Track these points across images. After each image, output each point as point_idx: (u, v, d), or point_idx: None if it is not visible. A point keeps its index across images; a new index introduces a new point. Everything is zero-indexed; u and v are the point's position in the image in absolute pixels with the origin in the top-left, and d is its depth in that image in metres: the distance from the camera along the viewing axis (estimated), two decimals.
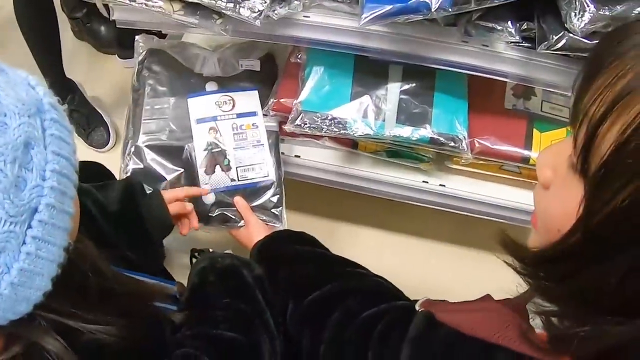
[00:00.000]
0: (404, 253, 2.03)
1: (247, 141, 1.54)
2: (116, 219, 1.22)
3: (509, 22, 1.23)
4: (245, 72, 1.64)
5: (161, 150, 1.49)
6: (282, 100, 1.56)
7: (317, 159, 1.68)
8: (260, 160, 1.53)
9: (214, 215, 1.49)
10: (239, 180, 1.51)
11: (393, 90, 1.53)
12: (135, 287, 0.98)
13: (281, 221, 1.53)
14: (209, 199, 1.49)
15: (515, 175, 1.63)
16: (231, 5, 1.23)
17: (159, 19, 1.35)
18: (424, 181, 1.65)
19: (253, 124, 1.56)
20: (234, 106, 1.56)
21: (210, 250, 1.38)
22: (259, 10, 1.23)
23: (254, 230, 1.43)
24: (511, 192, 1.65)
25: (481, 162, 1.58)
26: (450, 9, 1.15)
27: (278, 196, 1.53)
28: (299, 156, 1.68)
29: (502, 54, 1.29)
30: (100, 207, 1.19)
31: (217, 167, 1.50)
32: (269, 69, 1.69)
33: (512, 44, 1.28)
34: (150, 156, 1.48)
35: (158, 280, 1.19)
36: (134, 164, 1.47)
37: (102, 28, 2.45)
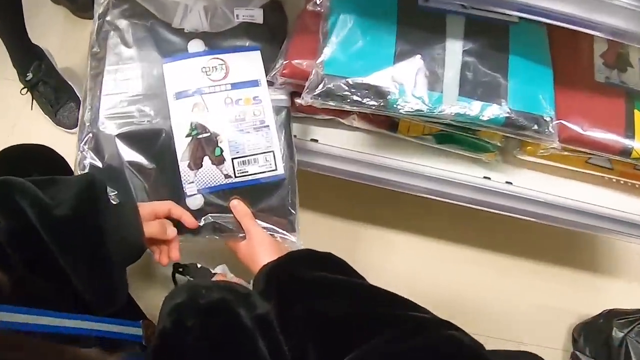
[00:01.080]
0: (444, 262, 1.80)
1: (247, 122, 1.15)
2: (64, 228, 0.88)
3: None
4: (242, 26, 1.24)
5: (128, 138, 1.13)
6: (295, 61, 1.17)
7: (340, 144, 1.33)
8: (265, 148, 1.15)
9: (202, 224, 1.14)
10: (235, 177, 1.13)
11: (453, 50, 1.14)
12: None
13: (295, 231, 1.19)
14: (196, 202, 1.13)
15: (605, 172, 1.33)
16: None
17: None
18: (485, 177, 1.33)
19: (254, 98, 1.17)
20: (227, 73, 1.17)
21: (198, 265, 1.19)
22: None
23: (258, 245, 1.12)
24: (599, 194, 1.36)
25: (565, 152, 1.24)
26: None
27: (290, 198, 1.17)
28: (316, 140, 1.33)
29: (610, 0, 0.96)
30: (41, 211, 0.87)
31: (206, 159, 1.12)
32: (275, 20, 1.29)
33: None
34: (113, 148, 1.12)
35: (111, 322, 0.89)
36: (91, 159, 1.12)
37: None
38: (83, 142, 1.12)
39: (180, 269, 1.21)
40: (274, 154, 1.16)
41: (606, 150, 1.19)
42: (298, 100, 1.20)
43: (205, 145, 1.12)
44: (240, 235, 1.15)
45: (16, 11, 1.77)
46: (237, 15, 1.22)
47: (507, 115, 1.11)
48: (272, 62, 1.21)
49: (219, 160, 1.12)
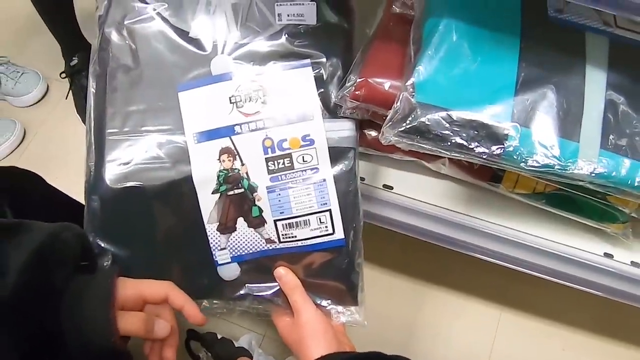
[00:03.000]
0: (527, 338, 1.52)
1: (294, 172, 0.84)
2: (9, 307, 0.65)
3: None
4: (287, 30, 0.88)
5: (139, 197, 0.86)
6: (373, 80, 0.86)
7: (422, 195, 1.05)
8: (319, 207, 0.85)
9: (237, 294, 0.89)
10: (280, 242, 0.85)
11: (595, 86, 0.82)
12: None
13: (359, 314, 0.91)
14: (231, 272, 0.87)
15: None
16: None
17: None
18: (606, 254, 1.03)
19: (304, 138, 0.84)
20: (265, 103, 0.84)
21: (218, 336, 1.08)
22: None
23: (308, 329, 0.87)
24: None
25: None
26: None
27: (352, 266, 0.89)
28: (390, 187, 1.05)
29: None
30: None
31: (240, 220, 0.84)
32: (336, 20, 0.92)
33: None
34: (121, 205, 0.86)
35: None
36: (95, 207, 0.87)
37: None
38: (88, 187, 0.88)
39: (196, 338, 1.06)
40: (330, 213, 0.86)
41: None
42: (371, 133, 0.93)
43: (239, 203, 0.84)
44: (288, 310, 0.91)
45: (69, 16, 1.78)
46: (279, 15, 0.88)
47: None
48: (329, 84, 0.88)
49: (257, 223, 0.85)
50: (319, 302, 0.89)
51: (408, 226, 1.07)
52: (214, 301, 0.89)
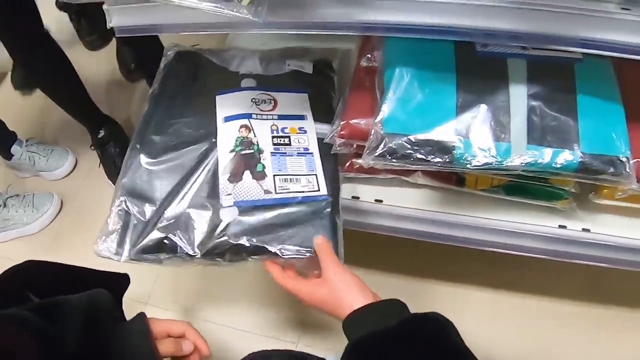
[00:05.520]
0: (522, 317, 1.66)
1: (291, 147, 1.18)
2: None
3: None
4: (292, 73, 1.32)
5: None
6: (353, 121, 1.14)
7: (406, 203, 1.27)
8: (309, 171, 1.16)
9: (235, 243, 1.06)
10: (276, 193, 1.11)
11: (518, 95, 1.06)
12: None
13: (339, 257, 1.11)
14: (230, 215, 1.08)
15: None
16: None
17: (166, 18, 1.04)
18: (560, 225, 1.23)
19: (300, 128, 1.21)
20: (275, 106, 1.23)
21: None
22: None
23: (344, 284, 0.98)
24: None
25: None
26: None
27: (334, 221, 1.11)
28: (381, 201, 1.28)
29: None
30: (51, 350, 0.77)
31: (246, 173, 1.13)
32: (323, 73, 1.34)
33: None
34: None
35: None
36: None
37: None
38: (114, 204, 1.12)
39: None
40: (316, 176, 1.15)
41: None
42: (359, 161, 1.13)
43: (248, 160, 1.14)
44: (316, 272, 1.05)
45: (77, 86, 1.93)
46: (288, 65, 1.32)
47: (581, 160, 1.02)
48: (318, 104, 1.27)
49: (260, 176, 1.12)
50: (305, 252, 1.05)
51: (399, 229, 1.29)
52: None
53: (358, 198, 1.26)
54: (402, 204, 1.26)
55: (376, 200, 1.27)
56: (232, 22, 0.97)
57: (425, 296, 1.67)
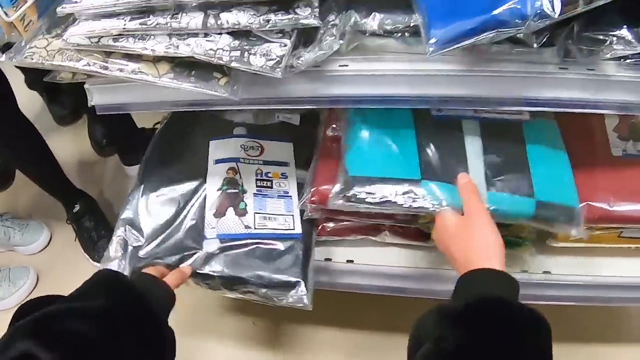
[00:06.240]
0: None
1: (272, 190, 1.32)
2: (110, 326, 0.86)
3: (625, 29, 0.91)
4: (280, 124, 1.49)
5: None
6: (322, 187, 1.21)
7: (376, 261, 1.34)
8: (286, 212, 1.29)
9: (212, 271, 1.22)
10: (255, 229, 1.24)
11: (474, 152, 1.17)
12: None
13: (307, 299, 1.21)
14: (212, 246, 1.23)
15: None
16: (237, 54, 0.91)
17: (147, 97, 1.08)
18: (523, 270, 1.30)
19: (282, 174, 1.36)
20: (261, 153, 1.39)
21: None
22: (277, 57, 0.90)
23: (482, 234, 0.95)
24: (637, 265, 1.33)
25: (597, 232, 1.25)
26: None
27: (306, 259, 1.25)
28: (352, 261, 1.34)
29: (612, 77, 0.97)
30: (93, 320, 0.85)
31: (230, 209, 1.27)
32: (310, 124, 1.50)
33: (627, 60, 0.97)
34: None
35: None
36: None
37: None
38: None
39: None
40: (293, 217, 1.28)
41: (636, 221, 1.18)
42: (330, 225, 1.25)
43: (232, 198, 1.29)
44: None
45: (50, 163, 1.95)
46: (277, 116, 1.48)
47: (537, 207, 1.10)
48: (302, 151, 1.40)
49: (241, 213, 1.26)
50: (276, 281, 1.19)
51: (369, 287, 1.35)
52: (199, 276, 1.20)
53: (330, 259, 1.32)
54: (372, 262, 1.33)
55: (348, 261, 1.34)
56: (210, 100, 1.02)
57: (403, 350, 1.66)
